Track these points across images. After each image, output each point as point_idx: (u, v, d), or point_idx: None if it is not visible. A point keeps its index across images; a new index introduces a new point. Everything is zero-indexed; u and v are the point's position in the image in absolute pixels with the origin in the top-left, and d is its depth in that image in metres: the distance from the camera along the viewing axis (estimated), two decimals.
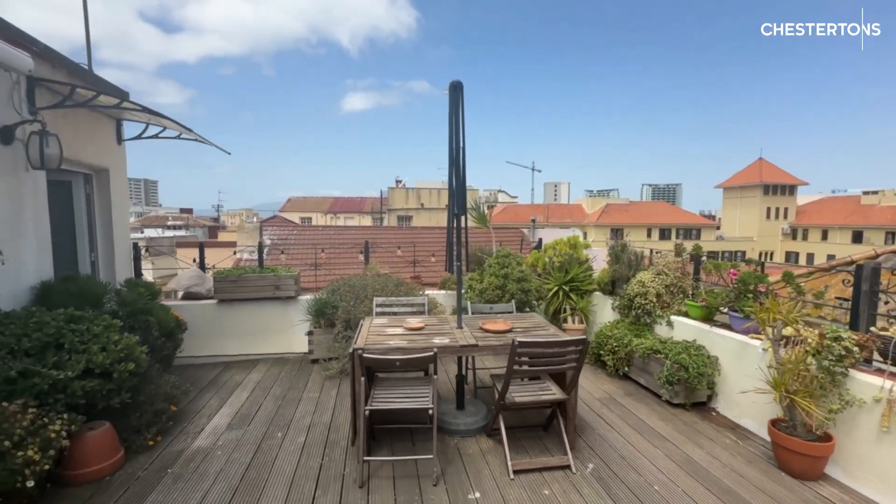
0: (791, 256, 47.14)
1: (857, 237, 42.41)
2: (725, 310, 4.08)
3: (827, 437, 2.88)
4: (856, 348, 2.82)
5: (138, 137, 5.13)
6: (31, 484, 2.28)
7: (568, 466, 3.01)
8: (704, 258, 4.81)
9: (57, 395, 2.69)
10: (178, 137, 4.98)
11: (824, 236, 45.59)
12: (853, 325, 3.15)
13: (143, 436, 3.25)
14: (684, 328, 4.40)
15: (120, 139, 5.12)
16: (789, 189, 48.97)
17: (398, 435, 3.46)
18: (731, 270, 4.06)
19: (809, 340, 3.01)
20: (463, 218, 3.53)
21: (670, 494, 2.75)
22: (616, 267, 5.56)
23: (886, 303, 3.25)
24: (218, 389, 4.41)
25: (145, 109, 3.98)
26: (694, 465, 3.09)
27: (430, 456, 2.92)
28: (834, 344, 2.87)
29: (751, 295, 3.72)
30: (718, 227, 52.38)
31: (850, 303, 3.30)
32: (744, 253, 45.37)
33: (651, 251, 5.58)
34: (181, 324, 4.39)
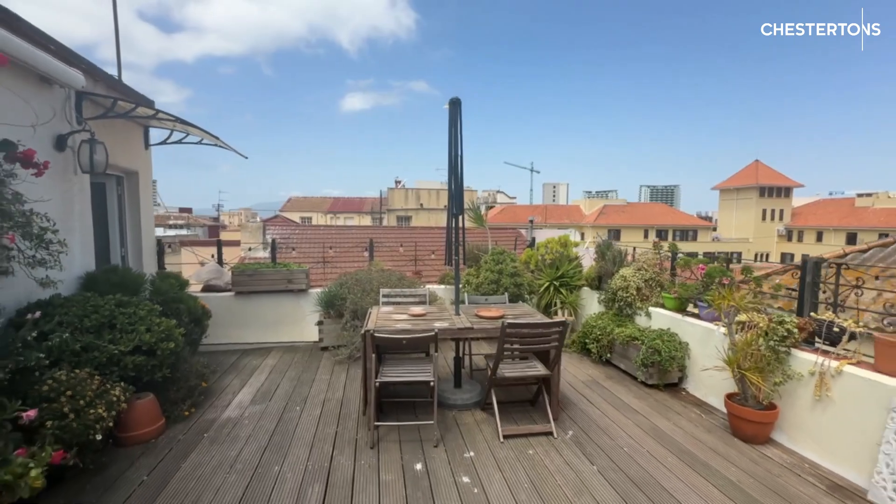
0: (787, 258, 47.68)
1: (851, 239, 42.94)
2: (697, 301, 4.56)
3: (772, 407, 3.35)
4: (795, 330, 3.29)
5: (163, 143, 5.59)
6: (99, 437, 2.73)
7: (550, 433, 3.48)
8: (694, 255, 5.29)
9: (112, 367, 3.14)
10: (199, 143, 5.44)
11: (819, 238, 46.14)
12: (799, 312, 3.62)
13: (179, 407, 3.71)
14: (661, 318, 4.87)
15: (147, 144, 5.58)
16: (785, 191, 49.54)
17: (402, 408, 3.92)
18: (700, 266, 4.53)
19: (760, 325, 3.48)
20: (460, 218, 3.99)
21: (635, 453, 3.22)
22: (602, 263, 6.03)
23: (823, 292, 3.71)
24: (238, 372, 4.87)
25: (177, 119, 4.45)
26: (660, 433, 3.56)
27: (431, 422, 3.39)
28: (779, 327, 3.34)
29: (715, 287, 4.19)
30: (715, 229, 52.93)
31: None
32: (740, 254, 45.93)
33: (633, 249, 6.05)
34: (207, 312, 4.85)
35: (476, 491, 2.76)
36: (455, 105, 3.74)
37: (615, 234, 45.94)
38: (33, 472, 1.89)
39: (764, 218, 49.34)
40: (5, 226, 2.76)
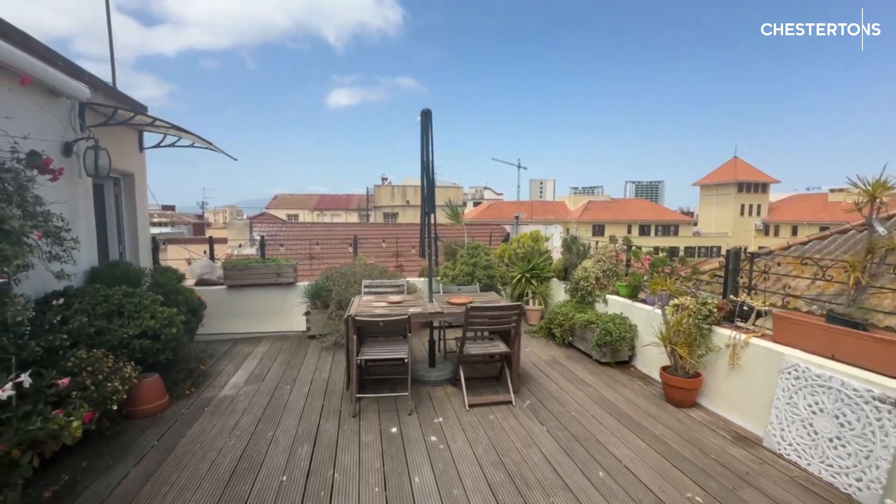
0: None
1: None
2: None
3: (697, 375, 3.93)
4: (715, 310, 3.86)
5: (157, 146, 5.95)
6: (115, 407, 3.16)
7: (510, 402, 4.00)
8: (651, 249, 5.86)
9: (122, 349, 3.56)
10: (191, 146, 5.81)
11: (794, 232, 47.76)
12: (724, 295, 4.19)
13: (181, 386, 4.14)
14: (616, 304, 5.43)
15: (141, 147, 5.93)
16: (762, 187, 51.14)
17: (382, 384, 4.41)
18: (647, 257, 5.09)
19: (690, 306, 4.05)
20: (433, 215, 4.48)
21: (581, 416, 3.77)
22: (567, 256, 6.59)
23: (741, 278, 4.29)
24: (232, 358, 5.30)
25: (172, 126, 4.83)
26: (605, 401, 4.11)
27: (406, 393, 3.89)
28: (702, 307, 3.91)
29: (657, 275, 4.75)
30: (696, 224, 54.40)
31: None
32: (719, 248, 47.35)
33: (596, 242, 6.61)
34: (203, 303, 5.25)
35: (442, 447, 3.26)
36: (426, 116, 4.22)
37: (599, 229, 46.94)
38: (74, 423, 2.33)
39: (742, 213, 50.90)
40: (28, 224, 3.15)
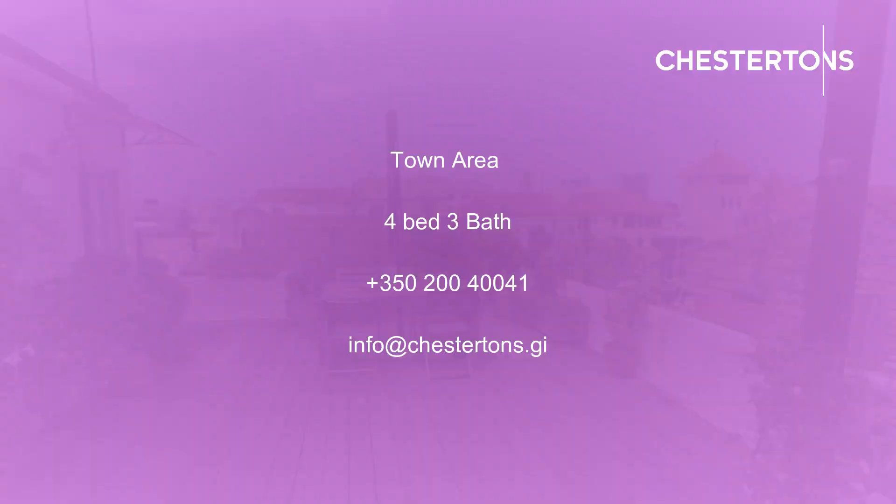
0: None
1: None
2: None
3: (636, 348, 4.40)
4: (651, 291, 4.33)
5: (139, 143, 6.20)
6: (107, 382, 3.51)
7: (468, 375, 4.44)
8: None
9: (112, 331, 3.89)
10: (171, 142, 6.08)
11: None
12: (664, 278, 4.67)
13: (167, 366, 4.48)
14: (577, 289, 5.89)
15: (124, 144, 6.18)
16: (742, 179, 52.36)
17: (353, 363, 4.80)
18: (604, 246, 5.55)
19: (634, 289, 4.50)
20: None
21: (531, 386, 4.23)
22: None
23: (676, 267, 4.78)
24: (216, 341, 5.65)
25: (153, 124, 5.12)
26: (556, 373, 4.57)
27: (373, 369, 4.30)
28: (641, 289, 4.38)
29: (608, 262, 5.21)
30: (679, 215, 55.51)
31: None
32: (700, 239, 48.51)
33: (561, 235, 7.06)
34: (186, 290, 5.57)
35: (402, 409, 3.70)
36: (391, 117, 4.59)
37: (586, 221, 47.67)
38: (74, 391, 2.68)
39: (724, 205, 52.09)
40: (22, 217, 3.45)
